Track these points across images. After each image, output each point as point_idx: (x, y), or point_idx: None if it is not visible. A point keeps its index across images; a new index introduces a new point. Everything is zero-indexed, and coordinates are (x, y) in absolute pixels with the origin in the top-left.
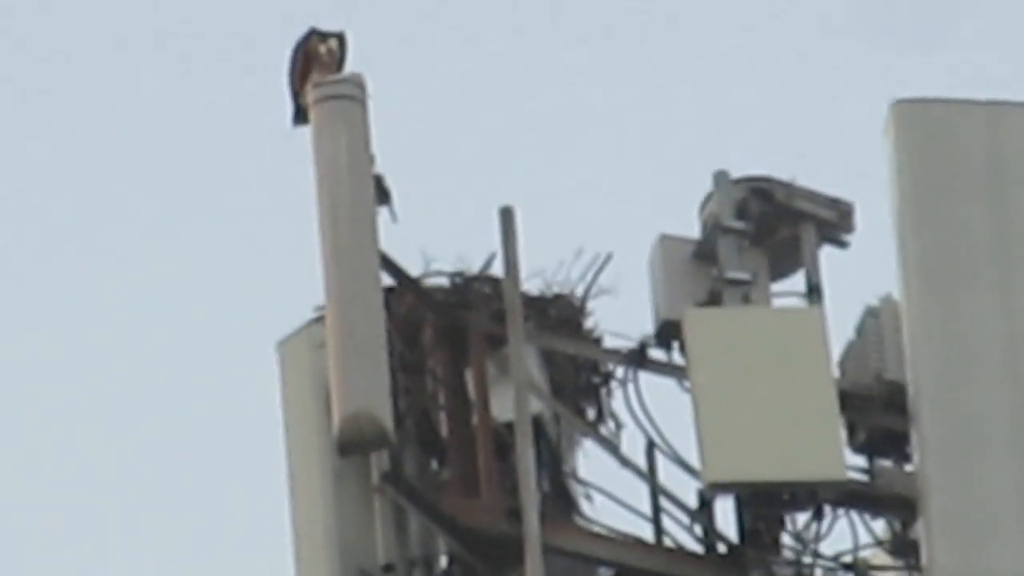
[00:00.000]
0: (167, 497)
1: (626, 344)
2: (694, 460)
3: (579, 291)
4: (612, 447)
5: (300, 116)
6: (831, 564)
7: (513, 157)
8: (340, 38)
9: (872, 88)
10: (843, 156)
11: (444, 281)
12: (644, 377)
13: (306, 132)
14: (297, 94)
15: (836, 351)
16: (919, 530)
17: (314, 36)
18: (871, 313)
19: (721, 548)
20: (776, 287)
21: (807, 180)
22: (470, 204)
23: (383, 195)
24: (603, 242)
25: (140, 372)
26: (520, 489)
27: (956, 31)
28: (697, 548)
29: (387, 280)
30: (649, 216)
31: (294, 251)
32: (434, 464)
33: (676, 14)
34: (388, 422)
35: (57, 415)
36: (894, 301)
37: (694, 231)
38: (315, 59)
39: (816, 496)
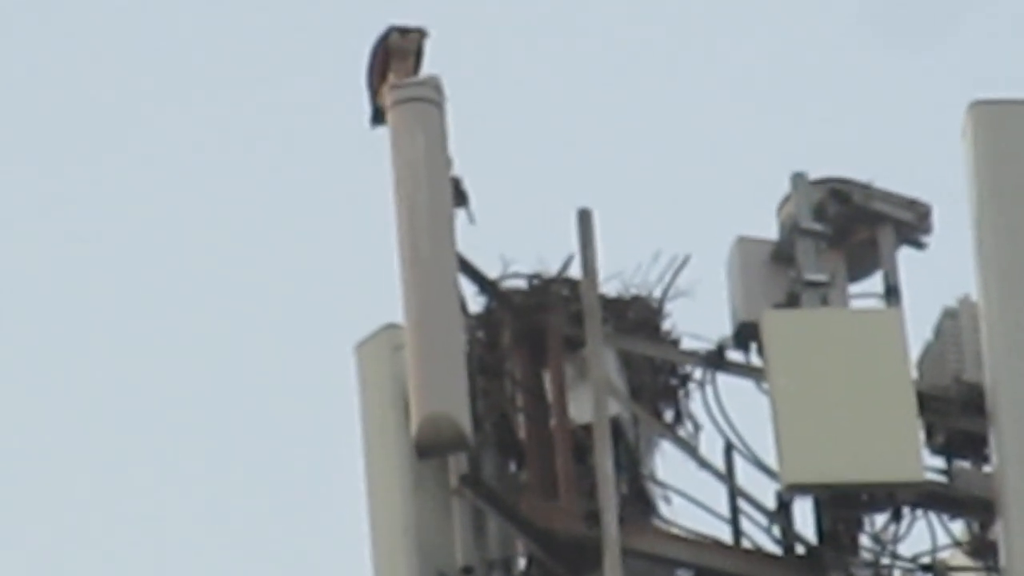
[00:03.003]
0: (246, 498)
1: (704, 346)
2: (772, 461)
3: (657, 293)
4: (690, 449)
5: (378, 117)
6: (909, 565)
7: (591, 159)
8: (421, 33)
9: (950, 89)
10: (921, 157)
11: (522, 283)
12: (722, 379)
13: (384, 134)
14: (375, 94)
15: (914, 352)
16: (998, 531)
17: (394, 33)
18: (949, 314)
19: (799, 549)
20: (854, 288)
21: (885, 181)
22: (548, 206)
23: (461, 197)
24: (681, 244)
25: (220, 374)
26: (598, 491)
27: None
28: (775, 549)
29: (465, 283)
30: (727, 218)
31: (372, 253)
32: (512, 466)
33: (753, 18)
34: (466, 424)
35: (138, 414)
36: (972, 302)
37: (772, 233)
38: (394, 52)
39: (894, 497)
